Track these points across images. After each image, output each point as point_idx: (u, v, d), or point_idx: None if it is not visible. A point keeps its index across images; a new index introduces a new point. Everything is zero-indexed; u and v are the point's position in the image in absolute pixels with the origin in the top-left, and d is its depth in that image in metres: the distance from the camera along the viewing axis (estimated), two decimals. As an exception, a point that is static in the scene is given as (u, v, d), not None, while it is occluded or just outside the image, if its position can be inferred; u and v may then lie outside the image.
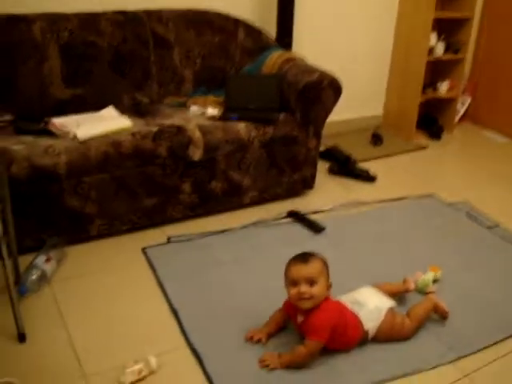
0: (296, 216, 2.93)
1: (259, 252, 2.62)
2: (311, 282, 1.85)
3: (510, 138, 4.35)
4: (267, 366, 1.91)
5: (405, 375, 1.93)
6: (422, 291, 2.36)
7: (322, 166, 3.54)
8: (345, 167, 3.51)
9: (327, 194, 3.26)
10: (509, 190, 3.46)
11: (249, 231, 2.80)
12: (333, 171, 3.53)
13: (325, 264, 1.92)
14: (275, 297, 2.24)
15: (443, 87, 4.31)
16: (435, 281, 2.42)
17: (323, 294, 1.88)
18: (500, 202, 3.25)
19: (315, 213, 3.00)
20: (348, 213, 3.05)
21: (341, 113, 3.92)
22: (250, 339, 2.03)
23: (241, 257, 2.57)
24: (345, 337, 1.96)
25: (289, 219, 2.94)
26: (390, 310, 2.05)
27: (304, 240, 2.75)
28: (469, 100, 4.66)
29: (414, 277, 2.39)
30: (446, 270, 2.50)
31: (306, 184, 3.16)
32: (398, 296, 2.26)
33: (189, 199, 2.78)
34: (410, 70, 4.14)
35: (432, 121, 4.41)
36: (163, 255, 2.54)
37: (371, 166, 3.58)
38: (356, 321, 1.99)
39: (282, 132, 2.91)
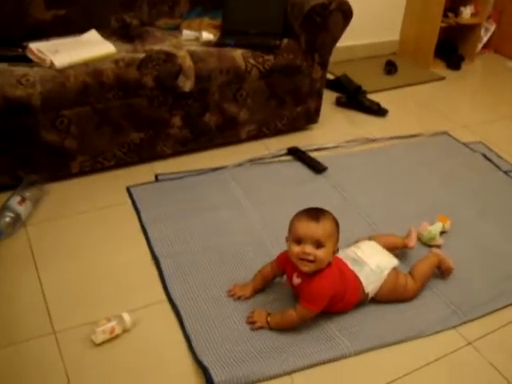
0: (296, 153, 2.70)
1: (254, 194, 2.41)
2: (318, 244, 1.63)
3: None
4: (254, 323, 1.75)
5: (402, 341, 1.76)
6: (428, 243, 2.16)
7: (329, 97, 3.27)
8: (354, 99, 3.23)
9: (333, 129, 3.01)
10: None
11: (244, 170, 2.58)
12: (340, 103, 3.26)
13: (337, 227, 1.70)
14: (269, 247, 2.07)
15: (467, 11, 3.94)
16: (443, 232, 2.22)
17: (328, 259, 1.68)
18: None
19: (318, 150, 2.76)
20: (354, 151, 2.82)
21: (352, 37, 3.59)
22: (232, 296, 1.86)
23: (233, 199, 2.37)
24: (342, 302, 1.78)
25: (289, 157, 2.71)
26: (393, 270, 1.87)
27: (304, 181, 2.53)
28: (493, 27, 4.28)
29: (420, 228, 2.18)
30: (458, 217, 2.29)
31: (310, 118, 2.91)
32: (399, 251, 2.06)
33: (180, 134, 2.56)
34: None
35: (452, 49, 4.07)
36: (149, 195, 2.35)
37: (383, 98, 3.30)
38: (356, 283, 1.80)
39: (284, 61, 2.63)
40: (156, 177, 2.49)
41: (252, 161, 2.64)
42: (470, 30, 4.03)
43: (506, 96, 3.60)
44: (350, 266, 1.82)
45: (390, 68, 3.73)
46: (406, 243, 2.06)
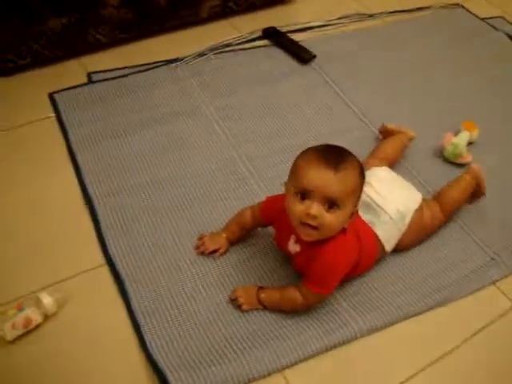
0: (275, 36, 2.08)
1: (219, 95, 1.82)
2: (331, 204, 1.10)
3: None
4: (239, 306, 1.25)
5: (431, 307, 1.30)
6: (453, 160, 1.65)
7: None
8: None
9: (319, 2, 2.35)
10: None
11: (206, 62, 1.96)
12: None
13: (362, 180, 1.16)
14: (247, 177, 1.55)
15: None
16: (470, 143, 1.70)
17: (340, 226, 1.15)
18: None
19: (302, 31, 2.14)
20: (348, 30, 2.19)
21: None
22: (201, 252, 1.35)
23: (191, 105, 1.78)
24: (356, 270, 1.28)
25: (265, 41, 2.08)
26: (417, 210, 1.37)
27: (286, 74, 1.94)
28: None
29: (443, 141, 1.65)
30: (487, 123, 1.76)
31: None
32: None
33: (117, 15, 1.89)
34: None
35: None
36: (79, 105, 1.74)
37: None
38: (373, 243, 1.30)
39: None
40: (89, 76, 1.86)
41: (216, 49, 2.01)
42: None
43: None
44: (362, 215, 1.30)
45: None
46: (407, 138, 1.62)
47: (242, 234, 1.37)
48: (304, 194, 1.11)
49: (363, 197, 1.32)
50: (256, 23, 2.14)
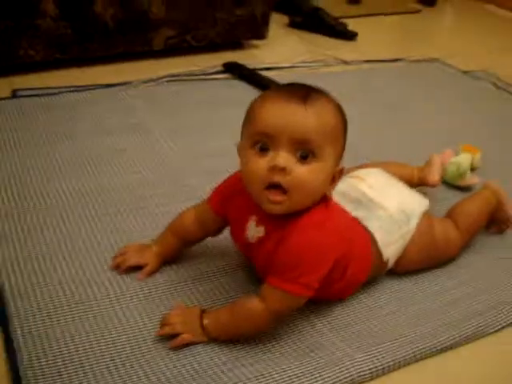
0: (237, 70, 1.82)
1: (172, 118, 1.52)
2: (305, 152, 0.77)
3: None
4: (175, 337, 0.83)
5: (447, 347, 0.90)
6: (456, 183, 1.33)
7: (280, 20, 2.42)
8: (313, 19, 2.39)
9: (287, 49, 2.16)
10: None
11: (158, 87, 1.68)
12: (295, 24, 2.42)
13: (344, 123, 0.83)
14: (193, 194, 1.20)
15: None
16: (472, 170, 1.40)
17: (321, 187, 0.80)
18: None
19: (268, 69, 1.89)
20: (318, 72, 1.96)
21: None
22: (115, 265, 0.97)
23: (136, 122, 1.47)
24: (342, 281, 0.89)
25: (226, 75, 1.83)
26: (425, 216, 1.02)
27: (247, 102, 1.65)
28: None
29: (442, 159, 1.35)
30: (484, 151, 1.48)
31: (256, 29, 2.03)
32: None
33: (55, 29, 1.63)
34: None
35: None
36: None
37: (349, 26, 2.47)
38: (366, 246, 0.94)
39: None
40: (14, 92, 1.55)
41: (172, 76, 1.74)
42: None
43: (498, 31, 2.85)
44: (351, 211, 0.95)
45: (353, -4, 2.92)
46: (424, 177, 1.22)
47: (179, 247, 0.98)
48: (264, 144, 0.77)
49: (353, 191, 0.99)
50: (216, 61, 1.89)
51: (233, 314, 0.83)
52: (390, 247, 0.96)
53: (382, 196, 0.98)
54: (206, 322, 0.83)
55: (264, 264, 0.84)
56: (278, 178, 0.75)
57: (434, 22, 2.92)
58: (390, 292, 0.99)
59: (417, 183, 1.21)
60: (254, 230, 0.85)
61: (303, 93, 0.78)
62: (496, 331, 0.94)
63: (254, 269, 0.94)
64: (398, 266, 0.99)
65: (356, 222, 0.94)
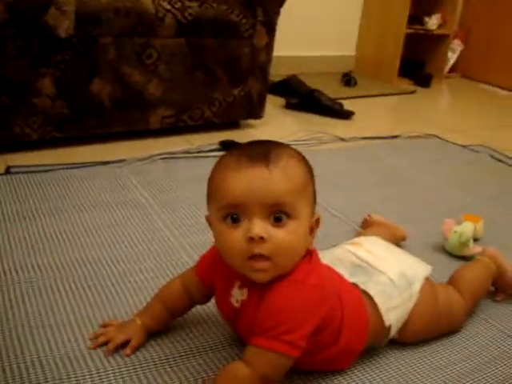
0: (233, 147, 1.82)
1: (166, 194, 1.50)
2: (278, 215, 0.74)
3: (514, 92, 3.37)
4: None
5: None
6: (457, 251, 1.29)
7: (276, 102, 2.46)
8: (309, 99, 2.42)
9: (284, 128, 2.17)
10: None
11: (152, 164, 1.68)
12: (291, 105, 2.45)
13: (309, 171, 0.80)
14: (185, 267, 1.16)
15: (433, 21, 3.32)
16: (475, 239, 1.35)
17: (302, 246, 0.78)
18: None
19: (265, 147, 1.89)
20: (316, 149, 1.96)
21: (299, 48, 2.92)
22: (97, 344, 0.90)
23: (131, 198, 1.45)
24: (337, 346, 0.83)
25: (221, 153, 1.82)
26: (427, 281, 0.97)
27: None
28: (460, 48, 3.67)
29: (443, 229, 1.31)
30: (487, 222, 1.44)
31: (252, 109, 2.06)
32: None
33: (52, 108, 1.64)
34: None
35: (418, 66, 3.41)
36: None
37: (345, 106, 2.51)
38: (363, 309, 0.88)
39: (214, 11, 1.81)
40: (8, 169, 1.54)
41: (168, 154, 1.74)
42: (438, 43, 3.40)
43: (492, 110, 2.90)
44: (348, 277, 0.91)
45: (349, 78, 2.99)
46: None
47: (166, 317, 0.93)
48: (236, 215, 0.74)
49: (349, 256, 0.94)
50: (213, 140, 1.90)
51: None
52: (392, 312, 0.90)
53: (381, 261, 0.94)
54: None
55: (248, 328, 0.79)
56: (258, 249, 0.73)
57: (429, 101, 2.98)
58: (393, 366, 0.93)
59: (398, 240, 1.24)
60: (238, 294, 0.82)
61: (263, 153, 0.75)
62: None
63: (232, 328, 0.89)
64: (402, 334, 0.93)
65: (350, 286, 0.89)
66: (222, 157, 0.81)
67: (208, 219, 0.82)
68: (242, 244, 0.73)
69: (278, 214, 0.73)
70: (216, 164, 0.81)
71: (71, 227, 1.26)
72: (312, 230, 0.79)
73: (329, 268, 0.87)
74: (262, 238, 0.72)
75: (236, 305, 0.82)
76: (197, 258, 1.13)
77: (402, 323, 0.92)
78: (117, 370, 0.86)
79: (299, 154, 0.80)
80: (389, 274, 0.91)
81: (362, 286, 0.89)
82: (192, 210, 1.40)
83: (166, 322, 0.93)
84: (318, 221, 0.80)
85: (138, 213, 1.36)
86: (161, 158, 1.71)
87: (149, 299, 0.97)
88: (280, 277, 0.76)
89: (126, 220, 1.32)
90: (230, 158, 0.78)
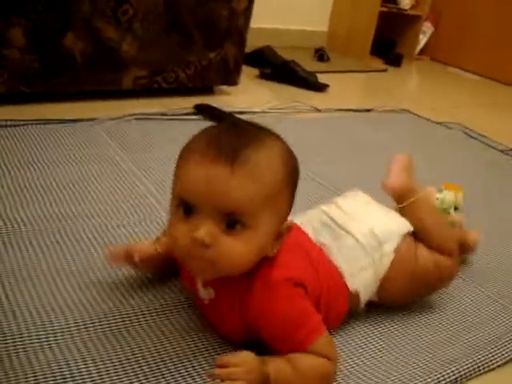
0: (210, 111, 1.78)
1: (141, 152, 1.45)
2: (231, 221, 0.67)
3: (482, 76, 3.41)
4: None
5: None
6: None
7: (250, 72, 2.42)
8: (284, 70, 2.39)
9: (258, 96, 2.13)
10: (506, 117, 2.49)
11: (126, 124, 1.62)
12: (265, 75, 2.41)
13: (288, 171, 0.72)
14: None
15: (406, 1, 3.32)
16: (456, 208, 1.35)
17: (253, 258, 0.71)
18: (501, 129, 2.24)
19: (241, 114, 1.85)
20: (292, 118, 1.94)
21: (272, 21, 2.89)
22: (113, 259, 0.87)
23: (104, 153, 1.39)
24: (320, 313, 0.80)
25: (196, 117, 1.78)
26: (407, 240, 0.93)
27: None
28: (430, 31, 3.69)
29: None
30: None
31: (228, 75, 2.01)
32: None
33: (22, 60, 1.56)
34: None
35: (389, 45, 3.41)
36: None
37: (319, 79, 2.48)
38: (338, 281, 0.86)
39: (193, -30, 1.75)
40: (-30, 122, 1.46)
41: (142, 115, 1.69)
42: (410, 23, 3.41)
43: (464, 90, 2.93)
44: (313, 236, 0.88)
45: (322, 53, 2.97)
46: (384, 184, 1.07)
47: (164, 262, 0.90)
48: (187, 208, 0.68)
49: (320, 215, 0.92)
50: (187, 105, 1.84)
51: (298, 372, 0.72)
52: (358, 276, 0.87)
53: (350, 219, 0.91)
54: (270, 371, 0.70)
55: (221, 323, 0.79)
56: (199, 252, 0.67)
57: (400, 80, 2.98)
58: (378, 327, 0.91)
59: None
60: (203, 293, 0.79)
61: (234, 146, 0.67)
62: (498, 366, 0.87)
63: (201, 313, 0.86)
64: (382, 295, 0.91)
65: (320, 252, 0.86)
66: (199, 133, 0.73)
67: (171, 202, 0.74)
68: (186, 240, 0.67)
69: (230, 222, 0.67)
70: (190, 139, 0.72)
71: (43, 181, 1.20)
72: (281, 235, 0.74)
73: (296, 236, 0.81)
74: (203, 242, 0.65)
75: (205, 302, 0.79)
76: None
77: (375, 286, 0.89)
78: (97, 322, 0.82)
79: (284, 150, 0.72)
80: (356, 235, 0.88)
81: (328, 253, 0.86)
82: (167, 169, 1.35)
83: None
84: (289, 228, 0.75)
85: (112, 169, 1.31)
86: (135, 119, 1.65)
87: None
88: (251, 279, 0.73)
89: (101, 176, 1.27)
90: (200, 141, 0.70)
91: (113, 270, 0.93)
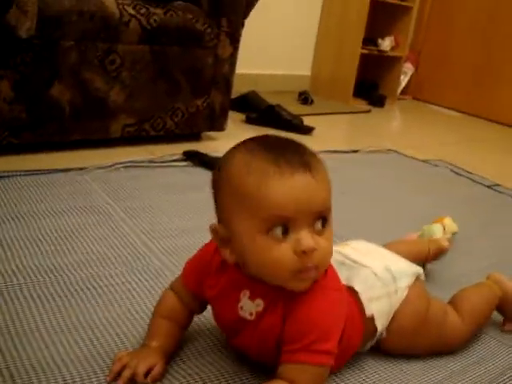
0: (198, 157, 1.79)
1: (129, 200, 1.44)
2: (322, 221, 0.72)
3: (464, 113, 3.48)
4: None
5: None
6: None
7: (236, 117, 2.45)
8: (269, 114, 2.42)
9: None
10: (488, 152, 2.53)
11: (114, 172, 1.62)
12: (251, 119, 2.44)
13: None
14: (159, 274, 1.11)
15: (386, 43, 3.40)
16: (454, 234, 1.38)
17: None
18: (484, 165, 2.28)
19: (228, 158, 1.86)
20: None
21: (255, 66, 2.93)
22: (125, 380, 0.77)
23: (93, 203, 1.38)
24: (339, 345, 0.79)
25: (185, 163, 1.79)
26: (417, 285, 0.94)
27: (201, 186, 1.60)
28: (411, 72, 3.78)
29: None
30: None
31: (214, 121, 2.03)
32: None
33: (9, 111, 1.57)
34: (349, 17, 3.19)
35: (372, 87, 3.48)
36: None
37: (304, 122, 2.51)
38: (354, 306, 0.86)
39: (179, 20, 1.79)
40: (-42, 175, 1.45)
41: (130, 162, 1.69)
42: (391, 65, 3.49)
43: (446, 127, 2.98)
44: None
45: (306, 96, 3.02)
46: (439, 246, 1.19)
47: (178, 333, 0.86)
48: (285, 227, 0.69)
49: (334, 256, 0.91)
50: (175, 151, 1.85)
51: None
52: (374, 303, 0.87)
53: (365, 256, 0.93)
54: None
55: (264, 339, 0.77)
56: (311, 262, 0.70)
57: (384, 120, 3.03)
58: (381, 367, 0.90)
59: (432, 256, 1.19)
60: (250, 306, 0.77)
61: (299, 155, 0.71)
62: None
63: (231, 342, 0.84)
64: (388, 338, 0.90)
65: (341, 283, 0.86)
66: (238, 156, 0.74)
67: (214, 228, 0.75)
68: (292, 258, 0.69)
69: (323, 221, 0.72)
70: (235, 165, 0.73)
71: (29, 234, 1.18)
72: None
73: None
74: (314, 249, 0.69)
75: (249, 317, 0.77)
76: (168, 262, 1.12)
77: (386, 319, 0.89)
78: (94, 378, 0.79)
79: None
80: (372, 268, 0.90)
81: (346, 282, 0.87)
82: (158, 217, 1.36)
83: (179, 337, 0.86)
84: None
85: (102, 218, 1.30)
86: (123, 167, 1.65)
87: (117, 305, 0.92)
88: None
89: (90, 225, 1.26)
90: (260, 160, 0.71)
91: (111, 325, 0.91)
